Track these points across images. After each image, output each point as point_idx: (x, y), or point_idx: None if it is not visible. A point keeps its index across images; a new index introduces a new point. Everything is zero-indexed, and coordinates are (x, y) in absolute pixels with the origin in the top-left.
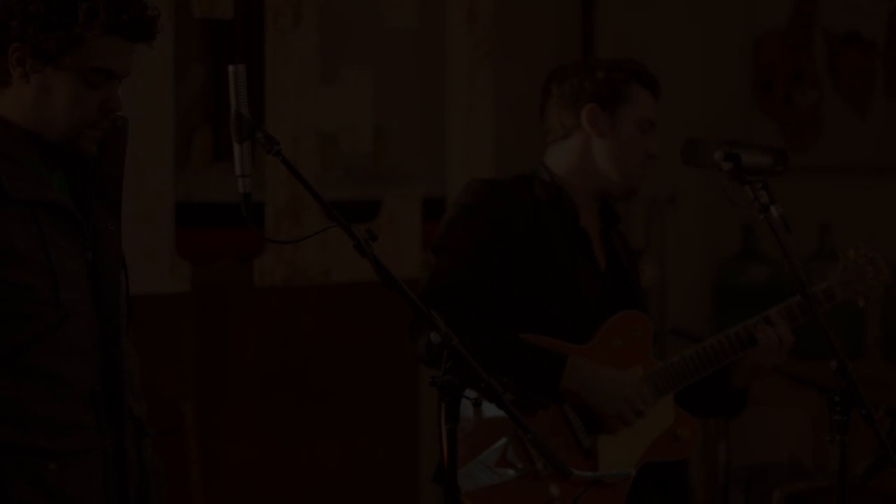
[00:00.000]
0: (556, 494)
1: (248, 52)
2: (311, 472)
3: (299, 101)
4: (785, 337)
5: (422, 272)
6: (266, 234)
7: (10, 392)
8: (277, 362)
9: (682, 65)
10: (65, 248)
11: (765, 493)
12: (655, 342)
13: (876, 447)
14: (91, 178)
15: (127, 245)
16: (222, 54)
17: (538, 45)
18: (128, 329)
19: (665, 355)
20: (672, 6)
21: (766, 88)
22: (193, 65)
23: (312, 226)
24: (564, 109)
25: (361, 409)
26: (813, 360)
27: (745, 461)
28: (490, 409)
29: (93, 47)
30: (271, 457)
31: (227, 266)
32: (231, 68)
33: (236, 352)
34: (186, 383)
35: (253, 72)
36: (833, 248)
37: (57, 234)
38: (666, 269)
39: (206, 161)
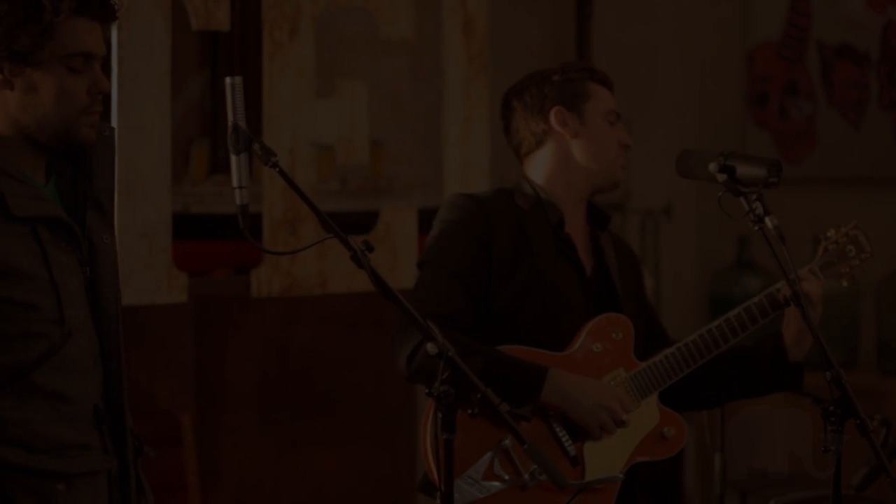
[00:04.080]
0: None
1: (245, 64)
2: (310, 483)
3: (296, 112)
4: (811, 290)
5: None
6: (263, 245)
7: (16, 413)
8: (275, 373)
9: (677, 77)
10: (65, 264)
11: (760, 502)
12: (640, 343)
13: (870, 457)
14: (83, 190)
15: (125, 257)
16: (219, 66)
17: (534, 58)
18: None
19: None
20: (666, 19)
21: (761, 100)
22: (191, 77)
23: (309, 237)
24: (532, 119)
25: (359, 420)
26: (808, 370)
27: (741, 469)
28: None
29: (65, 33)
30: (269, 467)
31: (224, 277)
32: (228, 80)
33: (234, 363)
34: (184, 394)
35: (250, 84)
36: None
37: (57, 249)
38: (661, 280)
39: (203, 173)
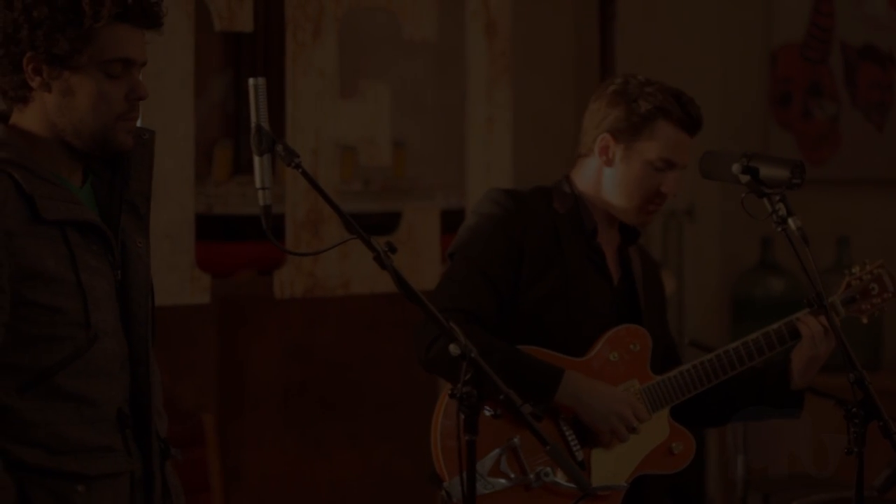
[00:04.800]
0: None
1: (268, 65)
2: (331, 484)
3: (319, 113)
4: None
5: None
6: (286, 246)
7: (39, 414)
8: (297, 374)
9: (700, 78)
10: (94, 268)
11: None
12: (656, 358)
13: (893, 459)
14: (119, 193)
15: None
16: (242, 67)
17: (557, 59)
18: (153, 345)
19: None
20: (690, 19)
21: (784, 101)
22: (214, 78)
23: (332, 238)
24: (587, 129)
25: (381, 421)
26: (831, 372)
27: (761, 473)
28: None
29: (105, 39)
30: (291, 468)
31: (247, 278)
32: (251, 81)
33: (257, 364)
34: (207, 395)
35: (273, 85)
36: (851, 261)
37: (87, 253)
38: (684, 282)
39: (226, 174)
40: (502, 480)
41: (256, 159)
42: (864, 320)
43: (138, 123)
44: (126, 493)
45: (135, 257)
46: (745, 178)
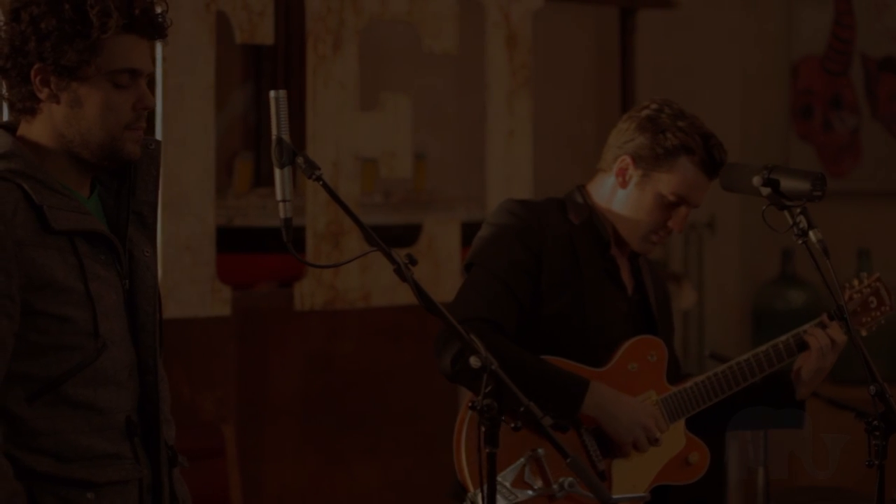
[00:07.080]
0: None
1: (288, 77)
2: (352, 496)
3: (340, 126)
4: (837, 337)
5: None
6: (307, 258)
7: (48, 423)
8: (318, 386)
9: (721, 90)
10: (103, 278)
11: None
12: (678, 367)
13: None
14: (126, 203)
15: (168, 270)
16: (263, 80)
17: (578, 71)
18: (161, 353)
19: None
20: (710, 32)
21: (805, 113)
22: (235, 90)
23: (353, 250)
24: (611, 146)
25: (401, 433)
26: (851, 385)
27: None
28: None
29: (112, 49)
30: (312, 481)
31: (267, 290)
32: (272, 94)
33: (277, 376)
34: (227, 407)
35: (294, 97)
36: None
37: (95, 263)
38: (705, 294)
39: (247, 186)
40: (528, 491)
41: (277, 171)
42: (864, 333)
43: (158, 136)
44: (135, 501)
45: (142, 267)
46: (765, 191)
